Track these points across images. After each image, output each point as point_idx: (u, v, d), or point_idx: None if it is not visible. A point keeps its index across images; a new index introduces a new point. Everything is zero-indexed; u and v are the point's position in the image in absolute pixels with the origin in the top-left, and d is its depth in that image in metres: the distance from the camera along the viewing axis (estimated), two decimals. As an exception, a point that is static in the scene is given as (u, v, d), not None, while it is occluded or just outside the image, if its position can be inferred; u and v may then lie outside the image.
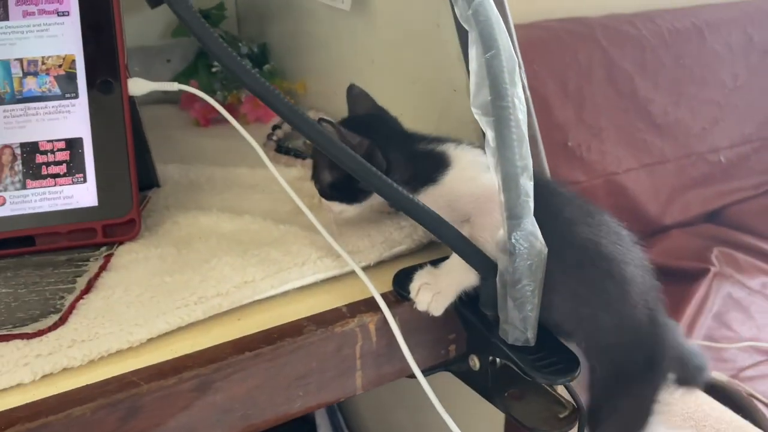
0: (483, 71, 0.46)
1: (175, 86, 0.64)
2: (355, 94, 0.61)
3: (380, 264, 0.57)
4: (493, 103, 0.46)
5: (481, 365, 0.50)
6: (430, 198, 0.53)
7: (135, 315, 0.49)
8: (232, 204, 0.69)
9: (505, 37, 0.47)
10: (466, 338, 0.51)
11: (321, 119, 0.50)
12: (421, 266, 0.53)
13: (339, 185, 0.57)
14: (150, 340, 0.48)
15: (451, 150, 0.57)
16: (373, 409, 1.03)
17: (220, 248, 0.58)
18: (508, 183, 0.45)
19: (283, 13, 0.95)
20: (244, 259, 0.55)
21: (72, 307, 0.50)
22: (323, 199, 0.59)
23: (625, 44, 1.55)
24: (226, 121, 0.98)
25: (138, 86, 0.63)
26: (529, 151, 0.45)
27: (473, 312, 0.50)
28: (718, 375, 0.96)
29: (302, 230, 0.60)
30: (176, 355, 0.46)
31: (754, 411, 0.82)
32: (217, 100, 0.97)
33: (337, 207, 0.59)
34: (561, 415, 0.51)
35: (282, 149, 0.84)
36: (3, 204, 0.59)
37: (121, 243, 0.60)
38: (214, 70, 1.04)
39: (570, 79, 1.47)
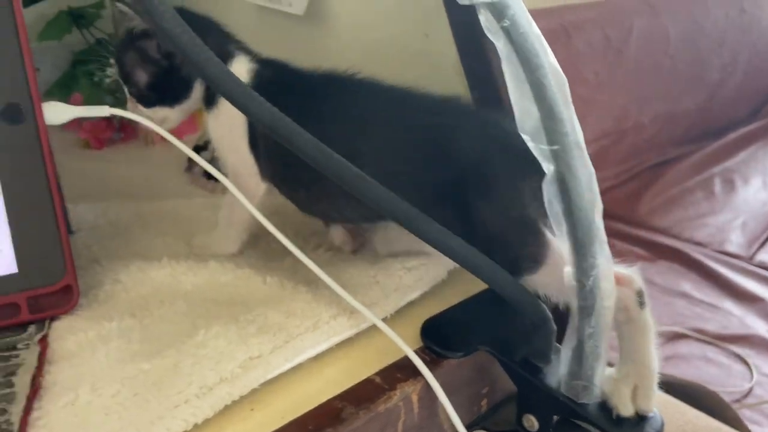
0: (526, 91, 0.40)
1: (106, 111, 0.50)
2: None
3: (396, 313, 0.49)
4: (549, 129, 0.40)
5: (541, 426, 0.44)
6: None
7: (121, 426, 0.37)
8: (182, 248, 0.57)
9: (549, 52, 0.42)
10: (517, 396, 0.45)
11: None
12: (461, 312, 0.46)
13: (157, 85, 0.52)
14: (149, 459, 0.36)
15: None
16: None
17: (196, 313, 0.46)
18: (581, 220, 0.39)
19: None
20: (239, 327, 0.44)
21: (24, 424, 0.36)
22: (141, 108, 0.54)
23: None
24: (122, 141, 0.84)
25: (57, 112, 0.49)
26: (596, 185, 0.40)
27: (528, 369, 0.44)
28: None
29: (295, 280, 0.50)
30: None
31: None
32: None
33: (159, 113, 0.53)
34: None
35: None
36: None
37: (53, 318, 0.46)
38: (96, 79, 0.87)
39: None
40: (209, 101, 0.54)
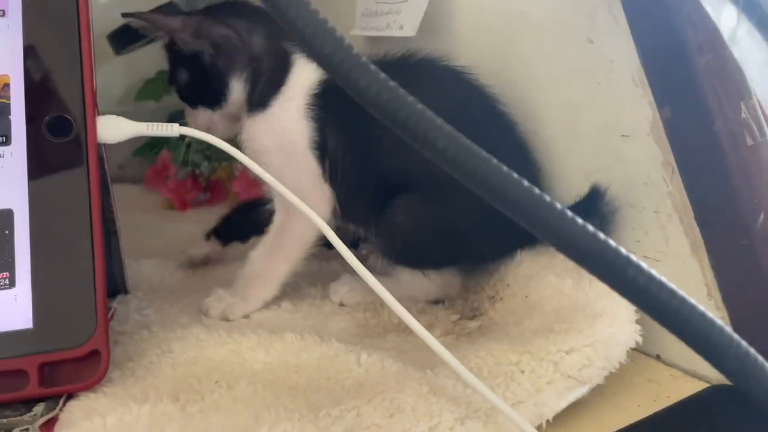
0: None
1: (174, 129, 0.40)
2: None
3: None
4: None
5: None
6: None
7: None
8: (251, 319, 0.44)
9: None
10: None
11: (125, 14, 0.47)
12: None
13: (196, 82, 0.48)
14: None
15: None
16: None
17: (262, 402, 0.32)
18: None
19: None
20: (319, 427, 0.29)
21: None
22: (188, 110, 0.49)
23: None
24: (208, 202, 0.74)
25: (114, 128, 0.39)
26: None
27: None
28: None
29: (402, 362, 0.35)
30: None
31: None
32: (200, 175, 0.74)
33: (203, 117, 0.48)
34: None
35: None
36: None
37: (70, 395, 0.34)
38: (187, 139, 0.81)
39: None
40: (256, 103, 0.46)
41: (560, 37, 0.44)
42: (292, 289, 0.49)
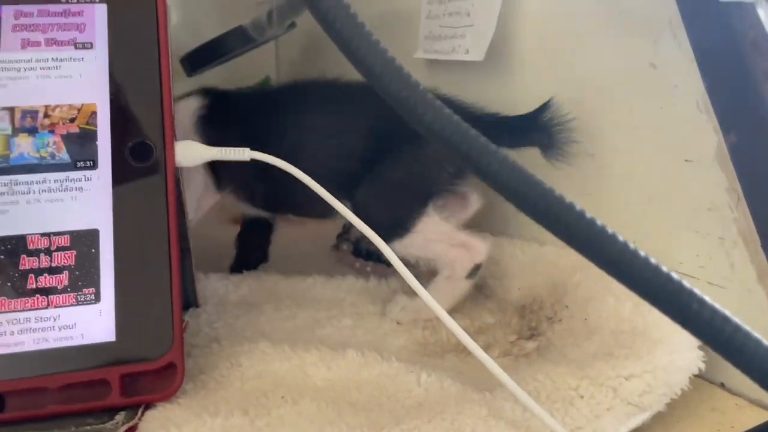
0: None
1: (246, 154, 0.42)
2: None
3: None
4: None
5: None
6: None
7: None
8: (314, 335, 0.45)
9: None
10: None
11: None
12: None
13: None
14: None
15: None
16: None
17: (325, 418, 0.33)
18: None
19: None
20: (381, 446, 0.31)
21: None
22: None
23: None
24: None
25: (190, 153, 0.41)
26: None
27: None
28: None
29: (461, 383, 0.36)
30: None
31: None
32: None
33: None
34: None
35: (360, 252, 0.62)
36: (-43, 338, 0.35)
37: (148, 406, 0.36)
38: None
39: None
40: None
41: (622, 61, 0.44)
42: (351, 306, 0.50)
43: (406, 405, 0.35)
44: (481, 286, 0.51)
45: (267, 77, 0.91)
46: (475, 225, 0.50)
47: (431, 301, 0.35)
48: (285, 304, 0.50)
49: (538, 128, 0.45)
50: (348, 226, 0.66)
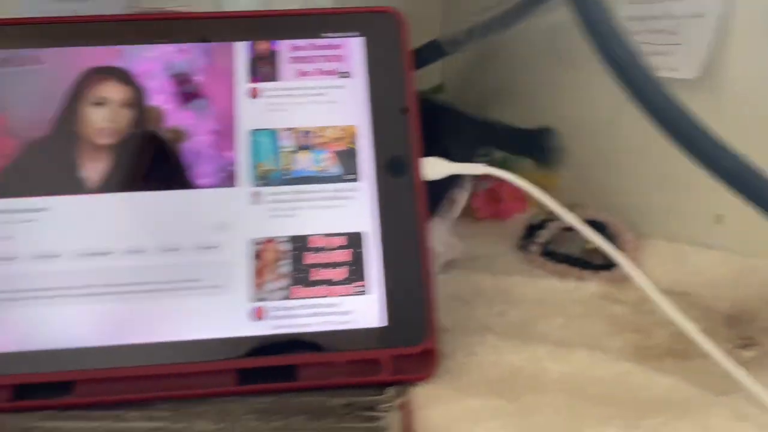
0: None
1: (479, 169, 0.48)
2: None
3: None
4: None
5: None
6: None
7: None
8: (534, 330, 0.50)
9: None
10: None
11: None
12: None
13: None
14: None
15: None
16: None
17: (576, 410, 0.38)
18: None
19: (531, 89, 0.79)
20: (640, 433, 0.35)
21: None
22: None
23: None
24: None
25: (435, 168, 0.47)
26: None
27: None
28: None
29: (691, 384, 0.39)
30: None
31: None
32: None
33: None
34: None
35: (551, 254, 0.66)
36: (262, 318, 0.43)
37: (410, 384, 0.43)
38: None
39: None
40: None
41: None
42: (556, 306, 0.55)
43: (641, 401, 0.39)
44: (686, 294, 0.53)
45: (441, 84, 0.96)
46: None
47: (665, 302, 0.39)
48: (495, 301, 0.55)
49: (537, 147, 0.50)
50: (532, 228, 0.70)
